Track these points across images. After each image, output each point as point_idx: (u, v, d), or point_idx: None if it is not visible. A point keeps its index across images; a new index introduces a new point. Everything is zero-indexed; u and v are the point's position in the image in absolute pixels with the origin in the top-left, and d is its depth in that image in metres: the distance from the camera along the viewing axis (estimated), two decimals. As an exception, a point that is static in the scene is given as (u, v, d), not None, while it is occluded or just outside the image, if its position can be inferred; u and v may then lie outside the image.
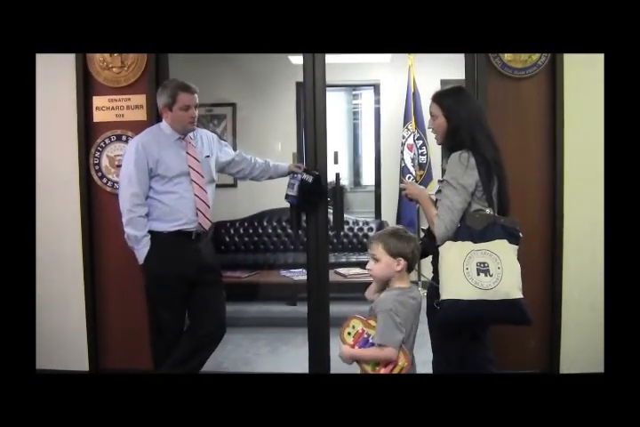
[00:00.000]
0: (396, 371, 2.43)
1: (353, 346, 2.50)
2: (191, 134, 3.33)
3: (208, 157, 3.37)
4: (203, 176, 3.27)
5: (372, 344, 2.45)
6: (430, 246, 2.66)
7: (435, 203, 2.71)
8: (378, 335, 2.43)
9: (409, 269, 2.56)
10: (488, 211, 2.57)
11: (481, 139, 2.62)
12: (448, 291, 2.49)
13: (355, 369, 2.54)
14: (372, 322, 2.48)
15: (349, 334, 2.52)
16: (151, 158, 3.17)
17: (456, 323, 2.55)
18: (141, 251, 3.18)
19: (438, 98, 2.74)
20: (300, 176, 3.52)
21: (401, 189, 2.90)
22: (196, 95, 3.24)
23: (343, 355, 2.51)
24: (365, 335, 2.48)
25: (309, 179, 3.50)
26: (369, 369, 2.47)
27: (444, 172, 2.74)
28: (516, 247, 2.55)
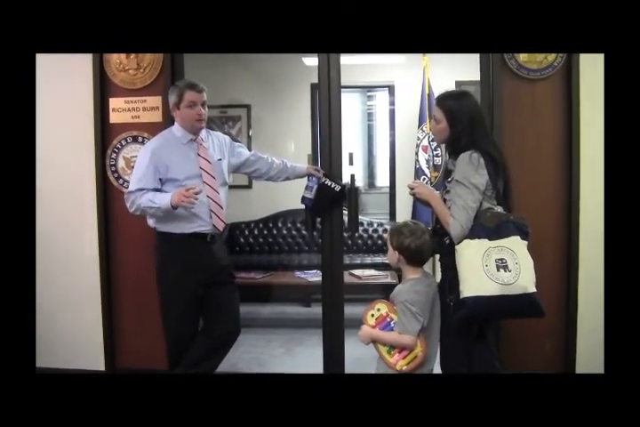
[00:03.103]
0: (409, 357, 2.54)
1: (374, 327, 2.62)
2: (203, 137, 3.33)
3: (220, 160, 3.37)
4: (215, 178, 3.27)
5: (392, 329, 2.58)
6: (438, 245, 2.73)
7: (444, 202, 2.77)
8: (398, 325, 2.56)
9: (415, 262, 2.67)
10: (498, 209, 2.62)
11: (483, 143, 2.69)
12: (471, 288, 2.53)
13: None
14: (396, 308, 2.60)
15: (372, 315, 2.65)
16: (161, 164, 3.17)
17: (481, 318, 2.64)
18: (163, 200, 3.09)
19: (441, 102, 2.79)
20: (317, 180, 3.53)
21: (410, 189, 2.91)
22: (203, 93, 3.23)
23: (363, 334, 2.64)
24: (388, 319, 2.61)
25: (336, 187, 3.51)
26: (383, 352, 2.59)
27: (448, 173, 2.78)
28: (526, 243, 2.62)
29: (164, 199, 3.09)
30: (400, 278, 2.71)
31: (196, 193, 3.05)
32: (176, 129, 3.30)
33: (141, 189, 3.15)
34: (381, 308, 2.64)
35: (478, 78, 3.72)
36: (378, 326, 2.61)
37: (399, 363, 2.54)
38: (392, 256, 2.70)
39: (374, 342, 2.62)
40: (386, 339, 2.58)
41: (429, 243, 2.66)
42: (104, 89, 3.82)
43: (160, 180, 3.19)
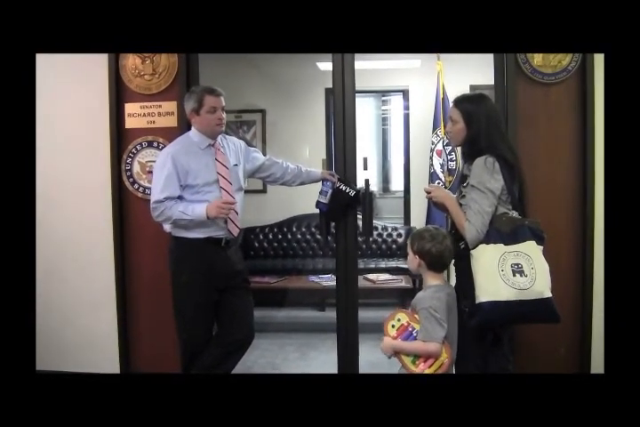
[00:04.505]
0: (436, 365, 2.50)
1: (395, 338, 2.57)
2: (219, 142, 3.34)
3: (236, 165, 3.38)
4: (231, 183, 3.27)
5: (415, 338, 2.54)
6: (453, 249, 2.71)
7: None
8: (422, 332, 2.51)
9: (436, 268, 2.65)
10: (513, 213, 2.61)
11: (500, 146, 2.68)
12: (486, 293, 2.53)
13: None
14: (417, 316, 2.56)
15: (393, 326, 2.59)
16: (181, 169, 3.16)
17: (497, 324, 2.62)
18: (197, 211, 3.13)
19: (459, 103, 2.79)
20: (331, 184, 3.52)
21: (426, 192, 2.92)
22: (221, 98, 3.25)
23: (385, 346, 2.59)
24: (410, 329, 2.56)
25: (351, 192, 3.50)
26: (408, 362, 2.54)
27: (464, 178, 2.78)
28: (542, 248, 2.61)
29: (196, 210, 3.12)
30: (414, 283, 2.69)
31: (232, 203, 3.15)
32: (193, 134, 3.30)
33: (168, 198, 3.14)
34: (402, 318, 2.59)
35: (492, 83, 3.71)
36: (399, 336, 2.56)
37: (425, 372, 2.49)
38: (413, 261, 2.67)
39: (397, 353, 2.57)
40: (409, 349, 2.53)
41: (450, 248, 2.64)
42: (120, 94, 3.85)
43: (180, 186, 3.19)
